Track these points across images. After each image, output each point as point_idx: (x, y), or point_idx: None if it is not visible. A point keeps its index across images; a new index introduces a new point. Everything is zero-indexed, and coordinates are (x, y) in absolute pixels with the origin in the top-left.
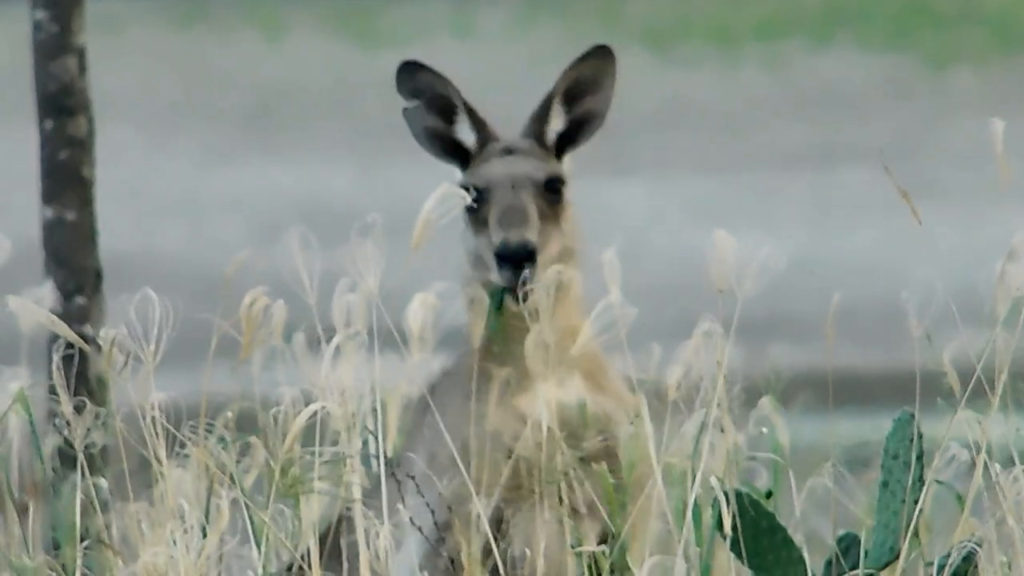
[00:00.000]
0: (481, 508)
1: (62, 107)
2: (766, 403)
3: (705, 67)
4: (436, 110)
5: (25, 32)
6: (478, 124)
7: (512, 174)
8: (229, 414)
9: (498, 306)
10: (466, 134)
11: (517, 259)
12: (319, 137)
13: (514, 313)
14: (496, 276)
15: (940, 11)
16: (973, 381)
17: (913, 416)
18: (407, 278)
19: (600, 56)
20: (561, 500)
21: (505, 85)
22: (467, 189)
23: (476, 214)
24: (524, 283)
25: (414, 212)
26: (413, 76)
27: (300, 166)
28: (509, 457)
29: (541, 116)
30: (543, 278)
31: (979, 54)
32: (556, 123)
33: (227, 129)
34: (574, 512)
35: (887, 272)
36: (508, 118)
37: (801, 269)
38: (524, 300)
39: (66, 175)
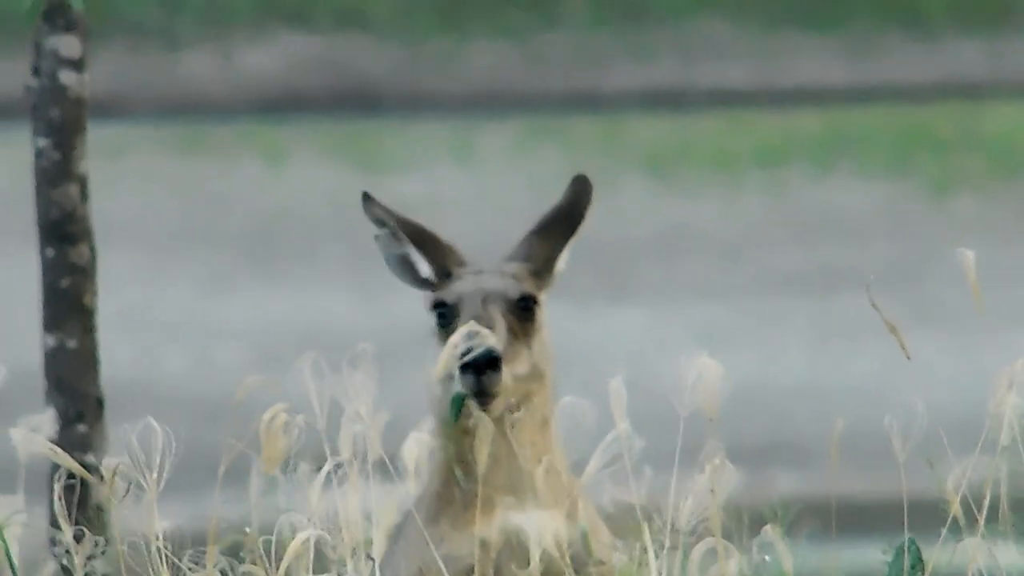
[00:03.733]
0: None
1: (64, 235)
2: (769, 530)
3: (706, 193)
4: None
5: (27, 157)
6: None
7: (484, 289)
8: (247, 530)
9: (457, 412)
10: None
11: (479, 365)
12: (320, 263)
13: (470, 430)
14: (459, 384)
15: (940, 137)
16: (987, 509)
17: (914, 543)
18: (413, 405)
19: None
20: None
21: (505, 209)
22: (440, 304)
23: (446, 328)
24: (486, 393)
25: (416, 338)
26: (371, 207)
27: (301, 292)
28: None
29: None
30: (507, 391)
31: (979, 180)
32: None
33: (228, 255)
34: None
35: (888, 397)
36: (507, 242)
37: (802, 395)
38: (484, 405)
39: (68, 303)
